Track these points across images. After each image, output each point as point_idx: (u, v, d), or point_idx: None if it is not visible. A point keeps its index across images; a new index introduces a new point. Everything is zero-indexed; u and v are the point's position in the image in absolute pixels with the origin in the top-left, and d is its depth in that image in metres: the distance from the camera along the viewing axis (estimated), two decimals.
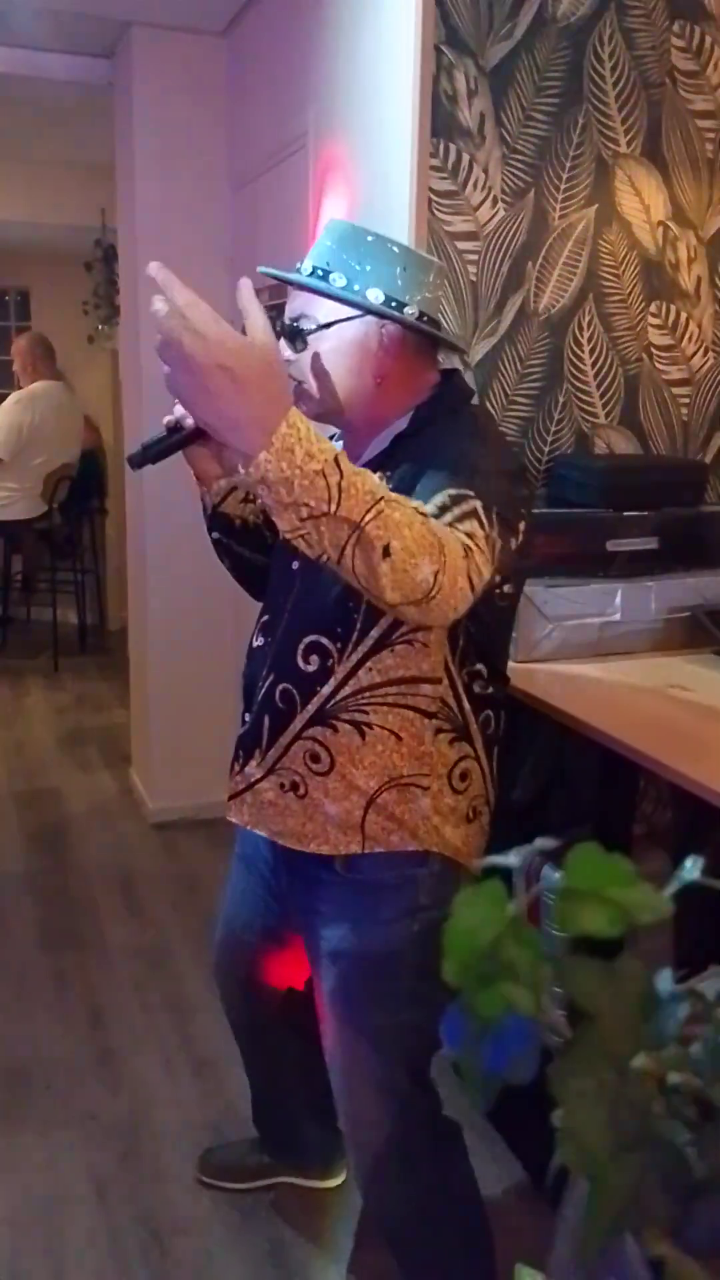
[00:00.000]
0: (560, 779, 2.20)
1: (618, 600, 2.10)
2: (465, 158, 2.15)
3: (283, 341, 1.42)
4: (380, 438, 1.45)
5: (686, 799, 1.53)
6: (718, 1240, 0.49)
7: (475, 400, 1.58)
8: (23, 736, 4.51)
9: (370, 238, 1.39)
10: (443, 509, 1.24)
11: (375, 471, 1.39)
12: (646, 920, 0.49)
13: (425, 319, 1.40)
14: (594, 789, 2.02)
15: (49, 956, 2.80)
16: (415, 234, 2.14)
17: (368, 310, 1.38)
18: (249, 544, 1.62)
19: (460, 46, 2.11)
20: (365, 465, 1.42)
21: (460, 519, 1.24)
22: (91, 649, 5.71)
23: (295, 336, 1.40)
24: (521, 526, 1.35)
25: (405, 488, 1.33)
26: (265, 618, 1.54)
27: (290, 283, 1.41)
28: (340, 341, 1.39)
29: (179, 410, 1.40)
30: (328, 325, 1.39)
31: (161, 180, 3.24)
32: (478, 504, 1.26)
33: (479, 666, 1.44)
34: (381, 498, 1.12)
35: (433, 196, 2.15)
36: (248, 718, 1.53)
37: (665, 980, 0.52)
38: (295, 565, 1.47)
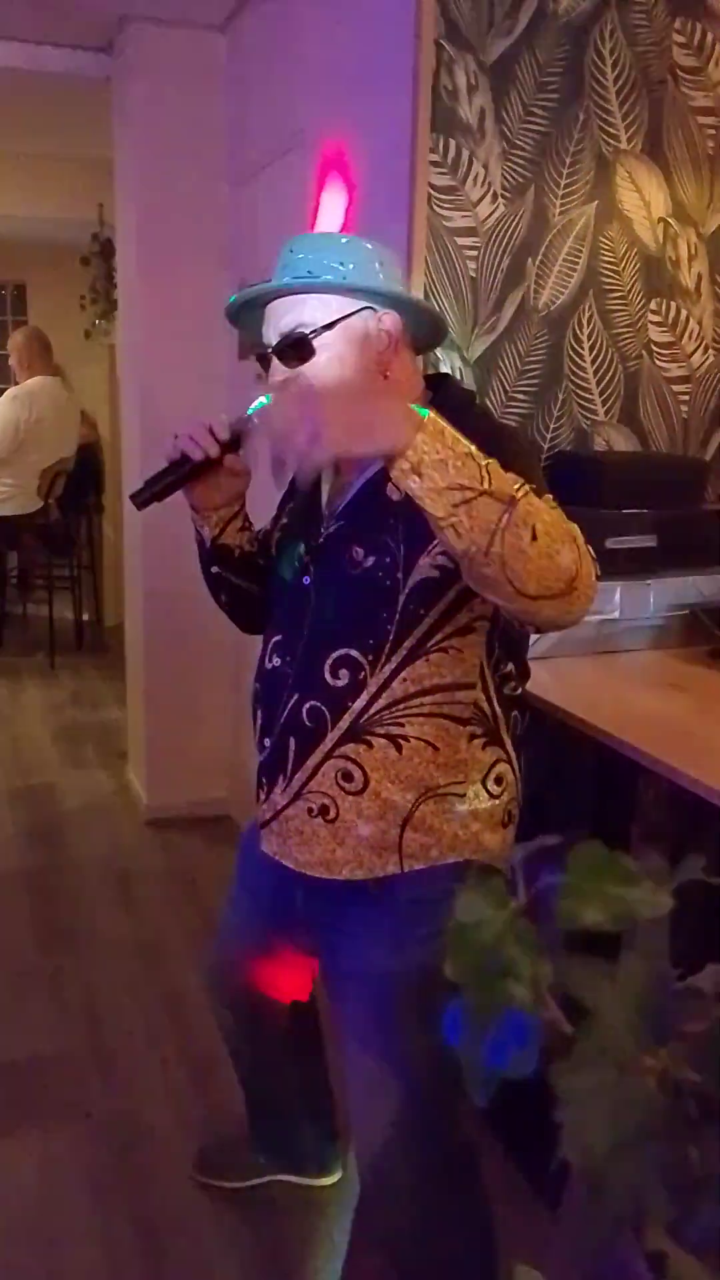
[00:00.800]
0: (558, 777, 2.20)
1: (616, 598, 2.10)
2: (465, 153, 2.15)
3: (277, 363, 1.38)
4: None
5: (685, 797, 1.53)
6: (718, 1237, 0.48)
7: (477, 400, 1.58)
8: (19, 733, 4.50)
9: (343, 240, 1.38)
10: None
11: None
12: (647, 916, 0.49)
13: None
14: (592, 787, 2.02)
15: (45, 954, 2.79)
16: (415, 230, 2.13)
17: (376, 294, 1.35)
18: (247, 574, 1.58)
19: (460, 42, 2.10)
20: (382, 470, 1.38)
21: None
22: (88, 645, 5.70)
23: (300, 344, 1.35)
24: None
25: None
26: (278, 637, 1.48)
27: (291, 290, 1.36)
28: (348, 339, 1.35)
29: (184, 443, 1.39)
30: (331, 324, 1.35)
31: (159, 175, 3.23)
32: (549, 496, 1.21)
33: (510, 667, 1.42)
34: (523, 483, 1.11)
35: (432, 192, 2.14)
36: (268, 743, 1.46)
37: (666, 978, 0.52)
38: (308, 580, 1.43)
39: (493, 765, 1.42)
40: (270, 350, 1.39)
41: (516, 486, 1.10)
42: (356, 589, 1.37)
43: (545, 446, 2.32)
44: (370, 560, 1.36)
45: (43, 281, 6.36)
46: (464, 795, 1.39)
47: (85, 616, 5.84)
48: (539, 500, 1.13)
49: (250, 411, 1.40)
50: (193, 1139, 2.09)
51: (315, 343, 1.35)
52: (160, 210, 3.24)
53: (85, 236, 5.38)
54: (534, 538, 1.09)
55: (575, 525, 1.17)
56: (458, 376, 2.21)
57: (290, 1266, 1.84)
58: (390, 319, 1.37)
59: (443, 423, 1.09)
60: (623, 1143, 0.47)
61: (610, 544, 2.11)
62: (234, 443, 1.42)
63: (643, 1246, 0.50)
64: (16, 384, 5.30)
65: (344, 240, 1.38)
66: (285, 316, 1.37)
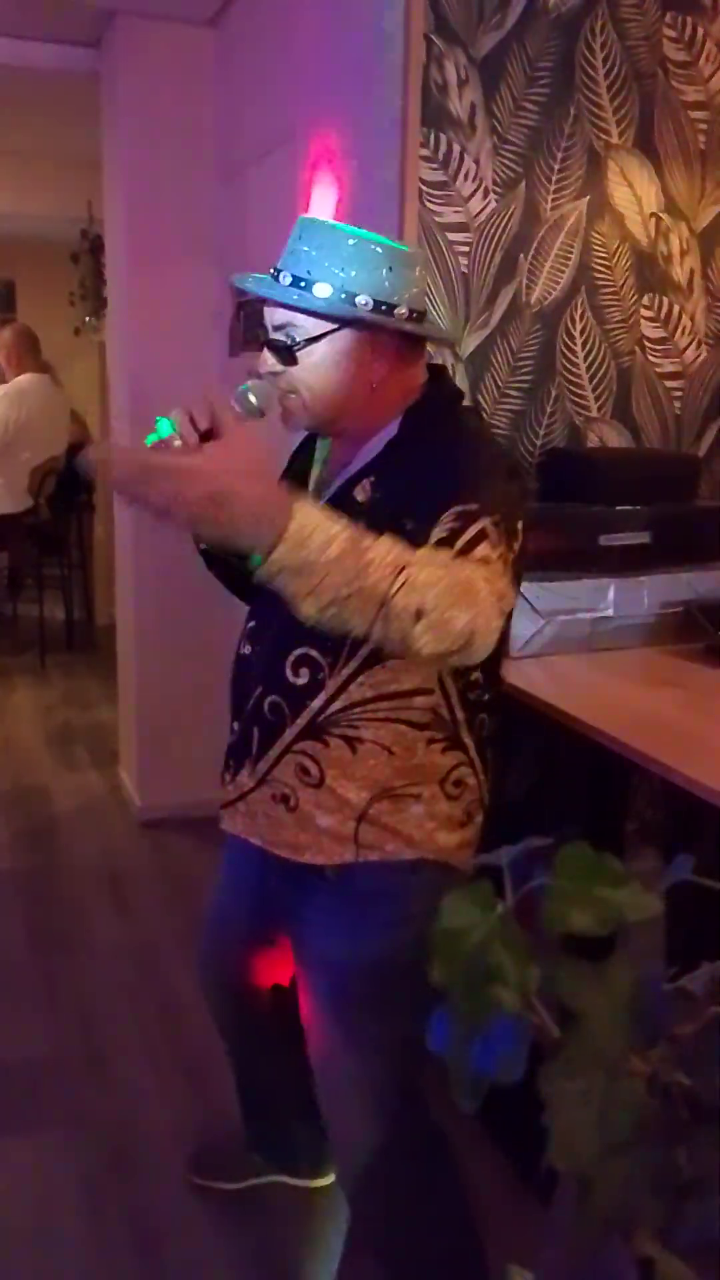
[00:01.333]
0: (552, 775, 2.19)
1: (610, 595, 2.09)
2: (456, 148, 2.14)
3: (267, 353, 1.37)
4: (373, 443, 1.41)
5: (679, 795, 1.52)
6: (706, 1241, 0.48)
7: (465, 399, 1.56)
8: (9, 734, 4.48)
9: (352, 241, 1.33)
10: (453, 533, 1.22)
11: (365, 479, 1.37)
12: (635, 919, 0.48)
13: (414, 315, 1.37)
14: (585, 785, 2.01)
15: (36, 957, 2.78)
16: (406, 225, 2.12)
17: (359, 323, 1.33)
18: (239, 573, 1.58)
19: (450, 36, 2.09)
20: (357, 474, 1.39)
21: (472, 543, 1.21)
22: (79, 645, 5.68)
23: (283, 351, 1.35)
24: (520, 527, 1.32)
25: (400, 500, 1.30)
26: (252, 624, 1.50)
27: (274, 302, 1.35)
28: (331, 353, 1.34)
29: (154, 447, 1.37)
30: (316, 339, 1.34)
31: (149, 171, 3.21)
32: (486, 521, 1.23)
33: (475, 675, 1.40)
34: (405, 565, 1.11)
35: (423, 187, 2.13)
36: (236, 727, 1.50)
37: (655, 979, 0.52)
38: None
39: (452, 769, 1.41)
40: (263, 341, 1.39)
41: (392, 579, 1.09)
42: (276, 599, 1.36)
43: (538, 443, 2.31)
44: None
45: (32, 279, 6.34)
46: (420, 797, 1.39)
47: (76, 616, 5.82)
48: (427, 573, 1.11)
49: (237, 395, 1.38)
50: (187, 1141, 2.08)
51: (298, 354, 1.35)
52: (149, 207, 3.23)
53: (74, 233, 5.36)
54: (419, 617, 1.10)
55: (475, 574, 1.17)
56: (450, 374, 2.20)
57: (285, 1267, 1.83)
58: (385, 336, 1.35)
59: (310, 527, 1.08)
60: (611, 1146, 0.46)
61: (604, 541, 2.11)
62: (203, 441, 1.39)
63: (631, 1250, 0.49)
64: (5, 382, 5.28)
65: (352, 242, 1.33)
66: (279, 313, 1.36)
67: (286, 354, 1.35)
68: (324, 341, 1.34)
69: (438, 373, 1.48)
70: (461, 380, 2.21)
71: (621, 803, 2.02)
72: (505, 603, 1.23)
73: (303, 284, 1.33)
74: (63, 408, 5.45)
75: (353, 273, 1.32)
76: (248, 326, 3.02)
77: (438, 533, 1.22)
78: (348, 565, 1.08)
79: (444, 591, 1.11)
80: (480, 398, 2.24)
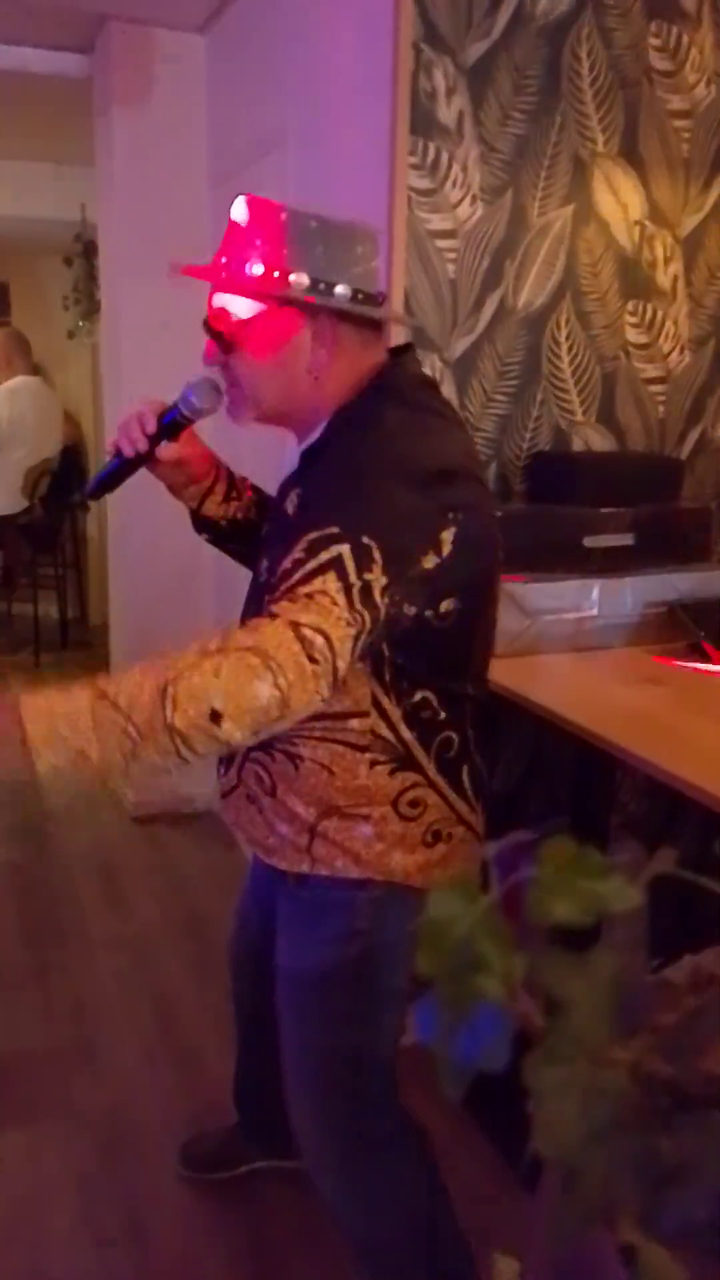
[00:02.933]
0: (538, 771, 2.22)
1: (595, 595, 2.12)
2: (444, 155, 2.17)
3: (209, 343, 1.34)
4: (300, 449, 1.38)
5: (662, 790, 1.55)
6: (689, 1229, 0.49)
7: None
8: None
9: (284, 214, 1.25)
10: (295, 564, 1.13)
11: (294, 489, 1.36)
12: (618, 910, 0.50)
13: (360, 296, 1.29)
14: (572, 780, 2.05)
15: (30, 950, 2.80)
16: (395, 232, 2.15)
17: (286, 301, 1.26)
18: (240, 541, 1.57)
19: (439, 44, 2.12)
20: (285, 484, 1.39)
21: (311, 575, 1.11)
22: (73, 644, 5.69)
23: (223, 337, 1.31)
24: (447, 537, 1.21)
25: (306, 513, 1.26)
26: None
27: (201, 276, 1.31)
28: (268, 339, 1.29)
29: (119, 439, 1.42)
30: (252, 320, 1.28)
31: (141, 175, 3.23)
32: (344, 548, 1.12)
33: (423, 695, 1.31)
34: (164, 684, 1.04)
35: (412, 194, 2.16)
36: None
37: (638, 970, 0.53)
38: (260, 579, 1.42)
39: (404, 791, 1.34)
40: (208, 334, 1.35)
41: (160, 707, 1.03)
42: (256, 602, 1.36)
43: (524, 446, 2.35)
44: (265, 576, 1.34)
45: (25, 282, 6.33)
46: (369, 817, 1.34)
47: (70, 615, 5.83)
48: (200, 675, 1.05)
49: (176, 397, 1.41)
50: (179, 1133, 2.10)
51: (239, 334, 1.30)
52: (142, 210, 3.25)
53: (68, 237, 5.36)
54: (217, 719, 1.04)
55: (265, 635, 1.07)
56: (437, 379, 2.23)
57: (278, 1257, 1.86)
58: (326, 320, 1.28)
59: (44, 721, 1.06)
60: (594, 1135, 0.48)
61: (588, 542, 2.14)
62: (165, 432, 1.43)
63: (614, 1238, 0.50)
64: None
65: (284, 215, 1.26)
66: (216, 297, 1.32)
67: (220, 339, 1.31)
68: (258, 325, 1.28)
69: (400, 353, 1.38)
70: (448, 385, 2.25)
71: (606, 797, 2.06)
72: (325, 649, 1.08)
73: (234, 263, 1.27)
74: (56, 408, 5.46)
75: (285, 250, 1.25)
76: None
77: (285, 564, 1.14)
78: (107, 725, 1.03)
79: (230, 678, 1.05)
80: (467, 402, 2.27)
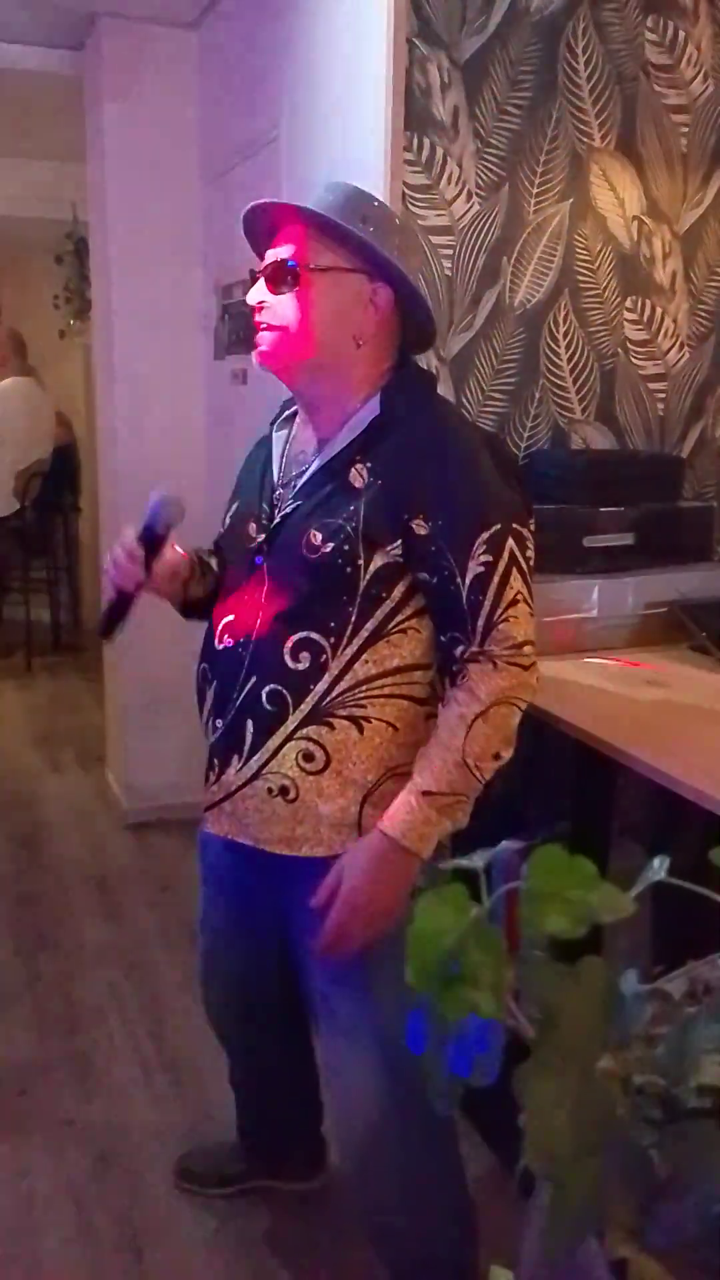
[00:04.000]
0: (538, 775, 2.19)
1: (595, 596, 2.10)
2: (439, 151, 2.14)
3: (261, 284, 1.39)
4: (351, 424, 1.41)
5: (663, 794, 1.53)
6: (680, 1241, 0.48)
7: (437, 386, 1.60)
8: None
9: (376, 203, 1.38)
10: (488, 568, 1.33)
11: (355, 461, 1.37)
12: (609, 920, 0.49)
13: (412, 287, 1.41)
14: (571, 784, 2.02)
15: (23, 959, 2.77)
16: None
17: (380, 262, 1.35)
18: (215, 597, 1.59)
19: (433, 39, 2.10)
20: (342, 453, 1.39)
21: (506, 576, 1.33)
22: (65, 648, 5.66)
23: (287, 275, 1.36)
24: (530, 517, 1.40)
25: (401, 493, 1.33)
26: (229, 618, 1.47)
27: (312, 214, 1.36)
28: (332, 290, 1.36)
29: (115, 579, 1.49)
30: (325, 270, 1.36)
31: (133, 173, 3.21)
32: (510, 543, 1.34)
33: (447, 641, 1.44)
34: (464, 756, 1.32)
35: (406, 190, 2.13)
36: (219, 724, 1.46)
37: (629, 980, 0.52)
38: (260, 560, 1.43)
39: None
40: (259, 271, 1.40)
41: (471, 772, 1.34)
42: (315, 574, 1.36)
43: (523, 445, 2.32)
44: (329, 546, 1.35)
45: (16, 281, 6.30)
46: None
47: (62, 619, 5.80)
48: (482, 738, 1.33)
49: (146, 514, 1.48)
50: (174, 1145, 2.08)
51: (308, 275, 1.36)
52: (134, 208, 3.22)
53: (59, 235, 5.34)
54: (498, 758, 1.36)
55: (506, 679, 1.35)
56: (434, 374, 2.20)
57: (271, 1273, 1.83)
58: (384, 294, 1.38)
59: (422, 825, 1.32)
60: (584, 1146, 0.47)
61: (588, 542, 2.12)
62: (152, 549, 1.49)
63: (606, 1250, 0.50)
64: None
65: (376, 203, 1.39)
66: (287, 245, 1.38)
67: (290, 278, 1.36)
68: (330, 275, 1.36)
69: (405, 358, 1.48)
70: (445, 383, 2.22)
71: (607, 801, 2.03)
72: (530, 643, 1.38)
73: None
74: (47, 410, 5.43)
75: (371, 229, 1.35)
76: (233, 329, 3.02)
77: (473, 567, 1.32)
78: (449, 808, 1.33)
79: (495, 728, 1.34)
80: (464, 400, 2.25)
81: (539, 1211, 0.55)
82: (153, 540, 1.49)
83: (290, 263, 1.36)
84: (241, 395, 2.96)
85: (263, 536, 1.44)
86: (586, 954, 0.53)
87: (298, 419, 1.51)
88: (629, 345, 2.39)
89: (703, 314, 2.45)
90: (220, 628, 1.48)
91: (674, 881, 0.51)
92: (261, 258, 1.43)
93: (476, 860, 0.53)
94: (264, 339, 1.40)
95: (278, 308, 1.38)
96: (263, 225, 1.44)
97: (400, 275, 1.38)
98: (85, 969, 2.72)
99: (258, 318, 1.40)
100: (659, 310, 2.40)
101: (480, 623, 1.35)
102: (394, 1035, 1.42)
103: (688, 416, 2.49)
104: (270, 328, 1.39)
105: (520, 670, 1.36)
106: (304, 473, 1.43)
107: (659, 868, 0.55)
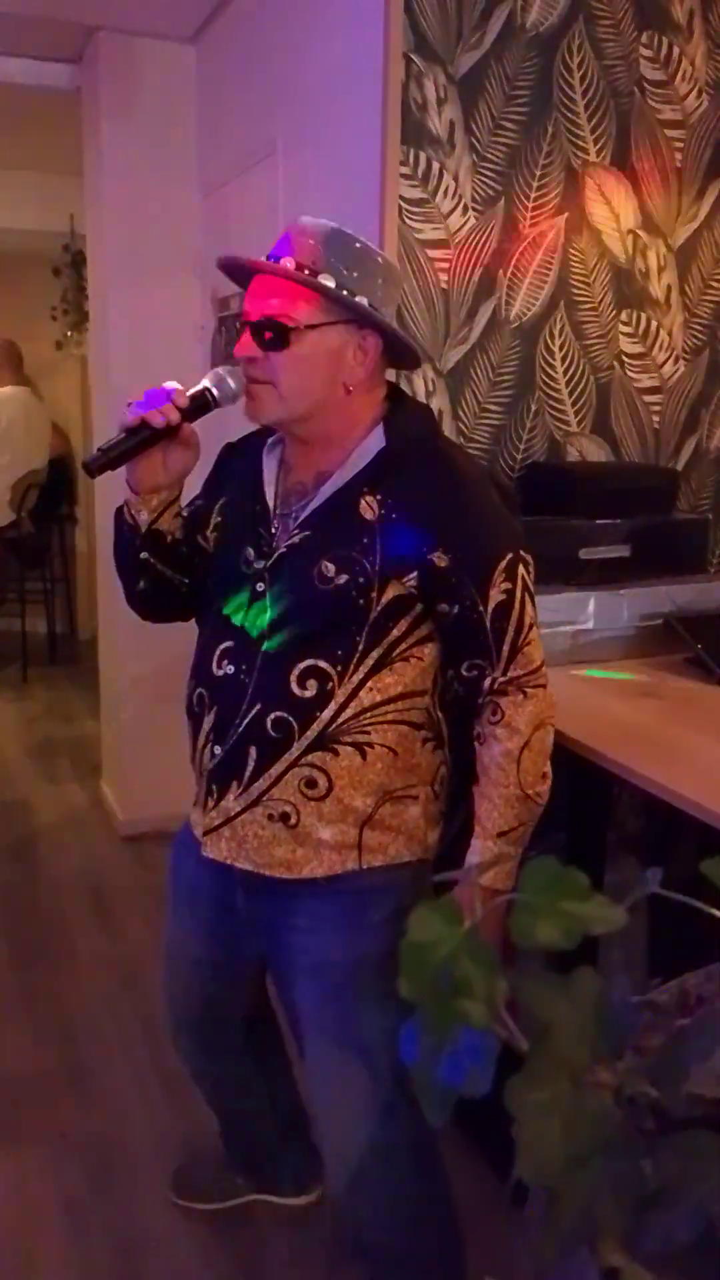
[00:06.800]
0: None
1: (590, 608, 2.10)
2: (435, 165, 2.15)
3: (249, 338, 1.36)
4: (355, 457, 1.40)
5: (659, 806, 1.53)
6: (672, 1251, 0.48)
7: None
8: None
9: (358, 244, 1.36)
10: (509, 595, 1.38)
11: (364, 492, 1.37)
12: (601, 932, 0.49)
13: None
14: (568, 796, 2.02)
15: (18, 971, 2.76)
16: (386, 242, 2.13)
17: (364, 318, 1.35)
18: (173, 563, 1.54)
19: (429, 54, 2.11)
20: (349, 485, 1.38)
21: (523, 602, 1.40)
22: (61, 659, 5.66)
23: (277, 337, 1.33)
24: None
25: (417, 526, 1.34)
26: (227, 644, 1.44)
27: (295, 280, 1.33)
28: (320, 346, 1.34)
29: (141, 409, 1.39)
30: (313, 327, 1.33)
31: (130, 185, 3.22)
32: (521, 570, 1.40)
33: (450, 672, 1.46)
34: (523, 790, 1.41)
35: (403, 204, 2.14)
36: (218, 751, 1.43)
37: (622, 991, 0.52)
38: (261, 588, 1.41)
39: (438, 767, 1.48)
40: (247, 324, 1.37)
41: (529, 807, 1.44)
42: (325, 604, 1.36)
43: (518, 457, 2.33)
44: (343, 579, 1.35)
45: (13, 292, 6.30)
46: (417, 798, 1.44)
47: (58, 630, 5.79)
48: (528, 764, 1.42)
49: (206, 381, 1.42)
50: (169, 1158, 2.07)
51: (298, 335, 1.34)
52: (131, 221, 3.23)
53: (56, 247, 5.36)
54: (545, 778, 1.45)
55: (537, 707, 1.45)
56: (429, 388, 2.21)
57: None
58: (372, 341, 1.37)
59: (493, 862, 1.41)
60: (576, 1157, 0.47)
61: (583, 554, 2.12)
62: (192, 412, 1.42)
63: (598, 1261, 0.50)
64: None
65: (358, 245, 1.36)
66: (272, 299, 1.34)
67: (278, 340, 1.34)
68: (320, 330, 1.34)
69: (397, 391, 1.49)
70: (441, 395, 2.23)
71: (603, 813, 2.03)
72: (539, 640, 1.46)
73: (307, 271, 1.33)
74: (44, 420, 5.44)
75: (355, 274, 1.34)
76: (229, 341, 3.03)
77: (495, 595, 1.38)
78: (519, 838, 1.43)
79: (539, 753, 1.43)
80: (460, 412, 2.26)
81: (531, 1221, 0.56)
82: (203, 401, 1.41)
83: (279, 323, 1.33)
84: (237, 407, 2.96)
85: (263, 564, 1.42)
86: (581, 965, 0.53)
87: (287, 448, 1.49)
88: (624, 358, 2.40)
89: (697, 327, 2.46)
90: (218, 653, 1.45)
91: (668, 894, 0.52)
92: (245, 288, 1.40)
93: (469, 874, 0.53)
94: (256, 393, 1.38)
95: (267, 365, 1.35)
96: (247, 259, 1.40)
97: (390, 329, 1.38)
98: (81, 981, 2.71)
99: (249, 371, 1.38)
100: (654, 323, 2.41)
101: (506, 649, 1.40)
102: (384, 1053, 1.44)
103: (683, 429, 2.50)
104: (261, 382, 1.37)
105: (544, 691, 1.45)
106: (307, 504, 1.41)
107: (652, 880, 0.55)
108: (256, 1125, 1.89)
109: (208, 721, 1.45)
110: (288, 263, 1.34)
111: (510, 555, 1.39)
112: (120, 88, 3.16)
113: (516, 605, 1.39)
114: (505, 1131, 0.53)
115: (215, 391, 1.42)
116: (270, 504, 1.45)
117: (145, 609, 1.62)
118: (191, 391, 1.42)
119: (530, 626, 1.42)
